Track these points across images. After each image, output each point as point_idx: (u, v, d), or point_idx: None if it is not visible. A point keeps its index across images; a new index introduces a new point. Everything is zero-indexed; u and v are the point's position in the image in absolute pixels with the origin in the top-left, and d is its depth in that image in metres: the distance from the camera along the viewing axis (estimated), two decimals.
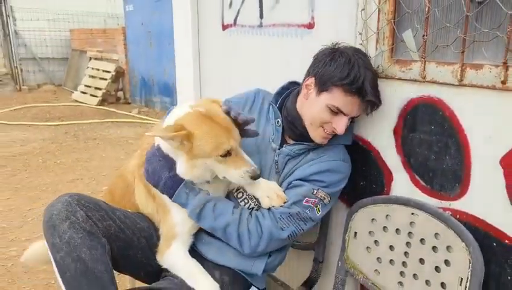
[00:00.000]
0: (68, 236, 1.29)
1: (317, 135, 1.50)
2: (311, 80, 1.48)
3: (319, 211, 1.49)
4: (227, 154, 1.35)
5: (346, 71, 1.39)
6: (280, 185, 1.54)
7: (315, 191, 1.47)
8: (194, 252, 1.54)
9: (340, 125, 1.44)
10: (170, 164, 1.44)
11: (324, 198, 1.48)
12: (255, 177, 1.38)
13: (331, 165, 1.50)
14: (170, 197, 1.44)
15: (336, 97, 1.41)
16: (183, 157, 1.39)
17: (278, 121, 1.58)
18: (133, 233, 1.50)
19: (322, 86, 1.44)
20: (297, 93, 1.58)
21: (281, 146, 1.57)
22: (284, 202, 1.47)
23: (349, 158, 1.56)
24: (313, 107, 1.47)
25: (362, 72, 1.39)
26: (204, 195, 1.45)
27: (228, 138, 1.35)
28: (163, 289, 1.39)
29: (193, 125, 1.34)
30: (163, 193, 1.45)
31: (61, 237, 1.29)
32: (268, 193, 1.48)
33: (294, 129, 1.55)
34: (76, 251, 1.28)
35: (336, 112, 1.43)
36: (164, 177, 1.43)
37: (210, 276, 1.44)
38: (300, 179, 1.50)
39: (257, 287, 1.60)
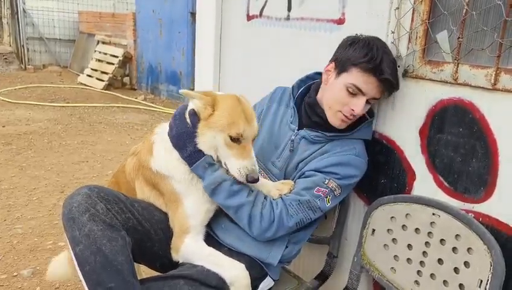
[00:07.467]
0: (88, 229, 1.25)
1: (335, 118, 1.53)
2: (331, 65, 1.55)
3: (329, 202, 1.50)
4: (237, 140, 1.36)
5: (364, 51, 1.44)
6: (289, 164, 1.60)
7: (327, 180, 1.49)
8: (209, 238, 1.55)
9: (358, 105, 1.47)
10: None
11: (335, 189, 1.49)
12: (250, 178, 1.36)
13: (345, 159, 1.51)
14: (190, 166, 1.43)
15: (354, 76, 1.45)
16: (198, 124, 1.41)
17: (291, 104, 1.65)
18: (150, 225, 1.48)
19: (341, 68, 1.49)
20: (320, 84, 1.62)
21: (299, 129, 1.62)
22: (292, 188, 1.50)
23: (366, 155, 1.57)
24: (332, 90, 1.52)
25: (380, 53, 1.44)
26: (223, 173, 1.44)
27: (245, 124, 1.37)
28: (185, 276, 1.38)
29: (223, 99, 1.40)
30: (184, 160, 1.43)
31: (80, 229, 1.25)
32: (276, 185, 1.51)
33: (311, 116, 1.60)
34: (96, 244, 1.23)
35: (353, 93, 1.47)
36: (190, 148, 1.41)
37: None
38: (313, 170, 1.52)
39: (271, 278, 1.61)
